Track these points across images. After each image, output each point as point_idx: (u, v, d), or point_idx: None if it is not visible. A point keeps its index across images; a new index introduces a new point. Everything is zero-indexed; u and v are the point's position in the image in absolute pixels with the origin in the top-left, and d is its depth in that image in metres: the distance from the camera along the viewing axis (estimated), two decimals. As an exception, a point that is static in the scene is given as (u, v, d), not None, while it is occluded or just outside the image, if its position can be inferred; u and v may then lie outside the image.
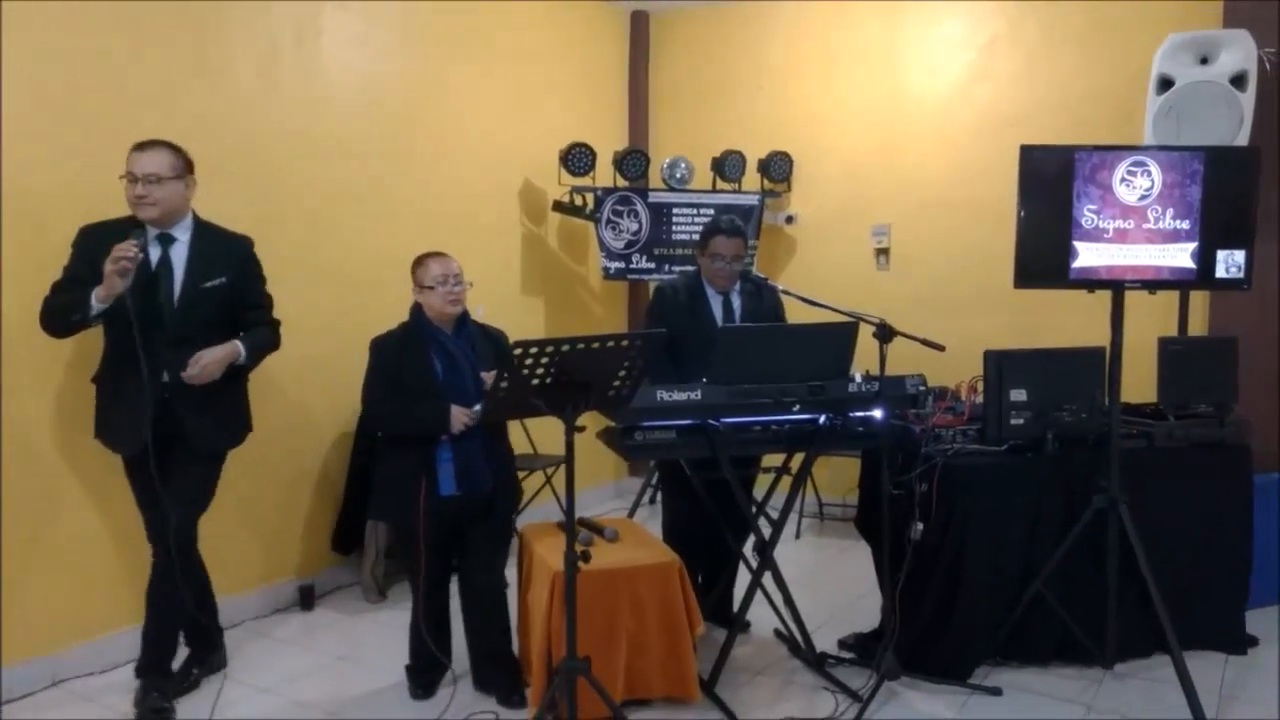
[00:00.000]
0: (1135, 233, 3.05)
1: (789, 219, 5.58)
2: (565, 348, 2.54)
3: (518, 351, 2.47)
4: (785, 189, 5.59)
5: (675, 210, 5.36)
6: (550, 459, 4.78)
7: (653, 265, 5.32)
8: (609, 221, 5.27)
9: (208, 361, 2.93)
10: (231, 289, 3.07)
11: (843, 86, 5.45)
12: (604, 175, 5.32)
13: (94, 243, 2.87)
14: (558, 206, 5.22)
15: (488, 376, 3.02)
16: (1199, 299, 4.39)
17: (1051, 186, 3.05)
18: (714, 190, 5.46)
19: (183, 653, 3.30)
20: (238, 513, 3.90)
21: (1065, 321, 4.29)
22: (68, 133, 3.30)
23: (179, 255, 3.00)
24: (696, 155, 5.51)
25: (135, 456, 2.96)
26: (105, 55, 3.41)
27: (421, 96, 4.70)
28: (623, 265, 5.33)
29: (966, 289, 5.05)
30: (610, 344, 2.61)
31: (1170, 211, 3.04)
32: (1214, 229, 3.04)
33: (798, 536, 5.21)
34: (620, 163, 5.29)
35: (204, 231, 3.08)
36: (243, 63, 3.89)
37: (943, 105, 5.16)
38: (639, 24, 6.06)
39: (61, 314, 2.87)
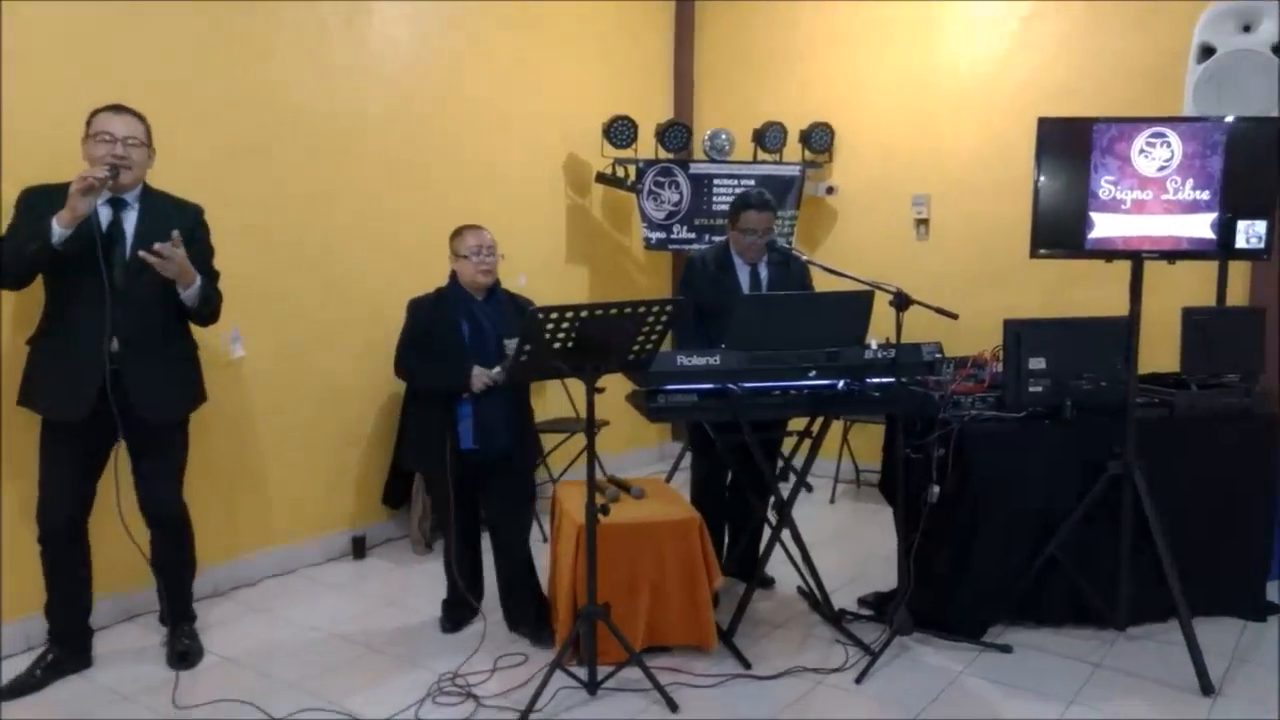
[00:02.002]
0: (1153, 204, 3.08)
1: (830, 190, 5.64)
2: (585, 313, 2.71)
3: (539, 317, 2.65)
4: (826, 160, 5.64)
5: (716, 181, 5.46)
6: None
7: (693, 235, 5.44)
8: (650, 193, 5.40)
9: (173, 252, 2.85)
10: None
11: (885, 57, 5.46)
12: (647, 147, 5.44)
13: (40, 204, 2.85)
14: (601, 178, 5.37)
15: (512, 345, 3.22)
16: (1239, 271, 4.36)
17: (1068, 158, 3.09)
18: (755, 161, 5.54)
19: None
20: (293, 467, 4.18)
21: (1102, 292, 4.28)
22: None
23: (130, 219, 2.98)
24: (740, 127, 5.59)
25: (74, 422, 2.92)
26: (162, 34, 3.63)
27: (469, 72, 4.87)
28: (664, 235, 5.46)
29: (1005, 259, 5.03)
30: (628, 310, 2.77)
31: (1190, 182, 3.06)
32: (1235, 199, 3.04)
33: (833, 501, 5.33)
34: (662, 135, 5.41)
35: (153, 197, 3.06)
36: (296, 42, 4.10)
37: (984, 76, 5.15)
38: (685, -2, 6.15)
39: (16, 251, 2.81)
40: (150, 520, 3.15)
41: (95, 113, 2.96)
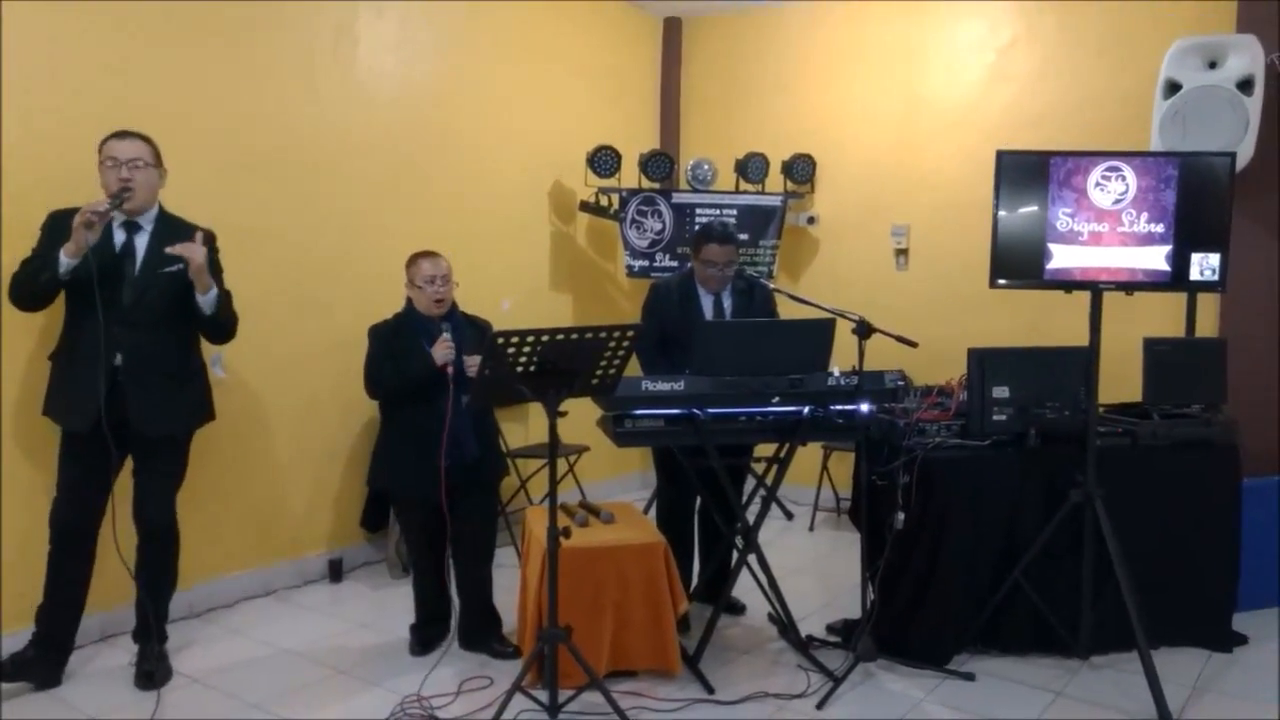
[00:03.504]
0: (1109, 235, 3.14)
1: (811, 220, 5.71)
2: (546, 338, 2.75)
3: (499, 341, 2.70)
4: (808, 190, 5.72)
5: (698, 210, 5.53)
6: (571, 447, 5.02)
7: (675, 264, 5.50)
8: (633, 221, 5.47)
9: (194, 250, 3.02)
10: (188, 277, 3.12)
11: (866, 89, 5.56)
12: (630, 176, 5.52)
13: (63, 226, 2.96)
14: (584, 207, 5.45)
15: (470, 361, 3.28)
16: (1209, 302, 4.40)
17: (1027, 190, 3.16)
18: (737, 191, 5.62)
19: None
20: (272, 489, 4.23)
21: (1082, 320, 4.34)
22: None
23: (142, 240, 3.12)
24: (723, 157, 5.67)
25: (84, 433, 3.04)
26: (151, 57, 3.72)
27: (455, 99, 4.97)
28: (646, 264, 5.53)
29: (982, 288, 5.07)
30: (589, 335, 2.82)
31: (1145, 215, 3.12)
32: (1188, 232, 3.10)
33: (812, 529, 5.35)
34: (645, 164, 5.48)
35: (167, 221, 3.20)
36: (282, 66, 4.19)
37: (962, 107, 5.24)
38: (671, 29, 6.25)
39: (30, 278, 2.99)
40: (141, 530, 3.23)
41: (105, 139, 3.12)
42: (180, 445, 3.30)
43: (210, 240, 3.26)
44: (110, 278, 3.03)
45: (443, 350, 3.30)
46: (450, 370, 3.31)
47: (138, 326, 3.06)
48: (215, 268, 3.27)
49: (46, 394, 3.21)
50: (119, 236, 3.10)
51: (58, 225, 3.03)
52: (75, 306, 3.11)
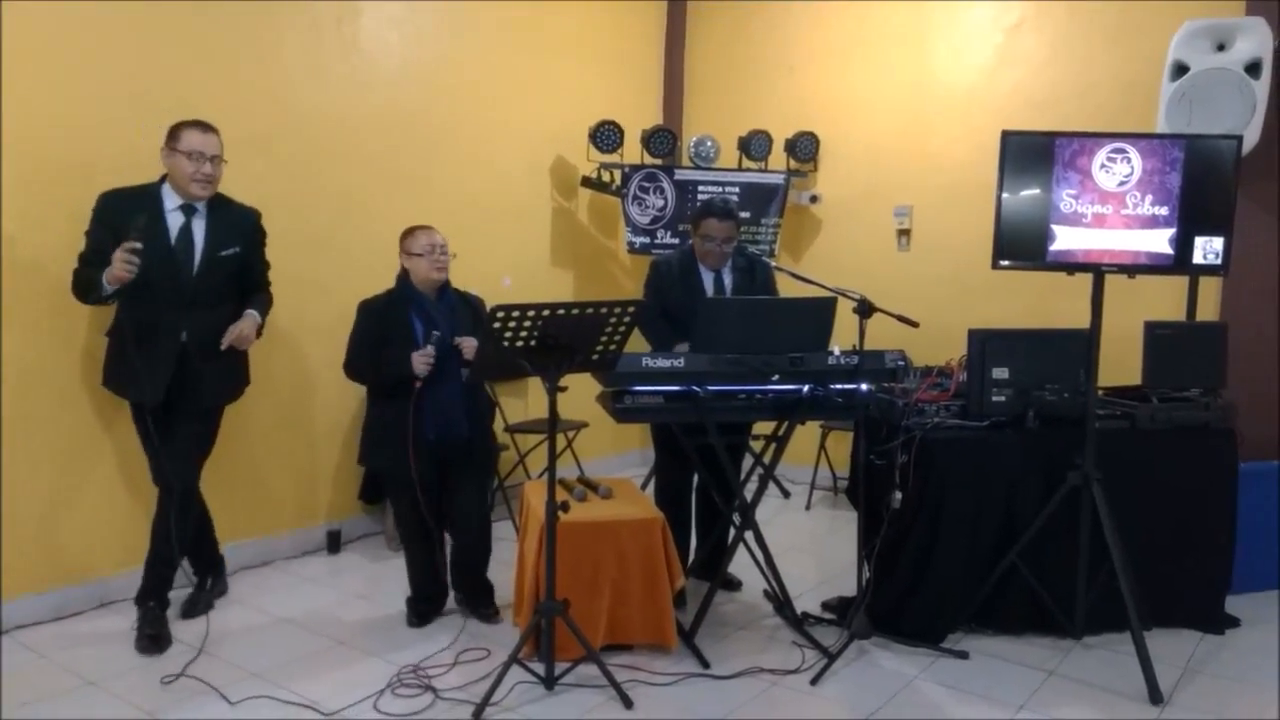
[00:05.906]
0: (1113, 218, 3.13)
1: (813, 198, 5.69)
2: (546, 313, 2.75)
3: (499, 315, 2.70)
4: (811, 169, 5.69)
5: (701, 187, 5.51)
6: (570, 423, 5.02)
7: (677, 240, 5.48)
8: (635, 197, 5.45)
9: (246, 334, 3.33)
10: (244, 257, 3.37)
11: (871, 68, 5.52)
12: (633, 152, 5.49)
13: (114, 209, 3.15)
14: (586, 182, 5.43)
15: (465, 343, 3.29)
16: (1210, 285, 4.39)
17: (1031, 171, 3.14)
18: (740, 169, 5.60)
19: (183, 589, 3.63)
20: (271, 461, 4.24)
21: (1082, 305, 4.34)
22: (120, 108, 3.60)
23: (199, 227, 3.27)
24: (726, 134, 5.64)
25: (151, 406, 3.22)
26: (154, 35, 3.70)
27: (458, 76, 4.93)
28: (647, 240, 5.51)
29: (986, 271, 5.06)
30: (590, 310, 2.82)
31: (1150, 198, 3.11)
32: (1193, 216, 3.09)
33: (808, 508, 5.37)
34: (648, 140, 5.46)
35: (218, 203, 3.34)
36: (286, 43, 4.17)
37: (968, 88, 5.20)
38: (676, 5, 6.20)
39: (84, 289, 3.17)
40: (165, 489, 3.31)
41: (181, 127, 3.22)
42: (218, 413, 3.45)
43: (257, 220, 3.46)
44: (171, 262, 3.18)
45: (422, 363, 3.29)
46: (418, 385, 3.32)
47: (201, 307, 3.23)
48: (261, 249, 3.51)
49: (105, 368, 3.36)
50: (176, 220, 3.23)
51: (109, 210, 3.17)
52: (134, 293, 3.14)
